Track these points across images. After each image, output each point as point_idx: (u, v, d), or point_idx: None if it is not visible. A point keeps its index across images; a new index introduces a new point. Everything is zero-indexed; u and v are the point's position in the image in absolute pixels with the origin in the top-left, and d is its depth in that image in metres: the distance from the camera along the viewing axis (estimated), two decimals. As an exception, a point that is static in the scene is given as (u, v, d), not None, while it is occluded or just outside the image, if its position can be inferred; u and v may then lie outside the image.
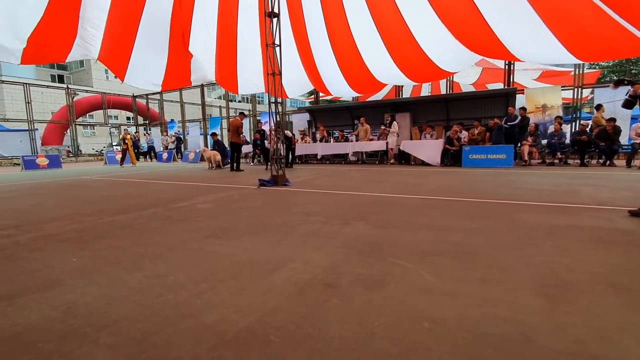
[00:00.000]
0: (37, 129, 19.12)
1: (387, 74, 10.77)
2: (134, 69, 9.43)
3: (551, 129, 9.79)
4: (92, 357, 1.22)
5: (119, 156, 17.09)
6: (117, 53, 8.98)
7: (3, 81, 22.44)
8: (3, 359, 1.23)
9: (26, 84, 18.86)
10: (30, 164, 13.42)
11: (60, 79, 39.52)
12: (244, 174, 8.90)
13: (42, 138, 20.33)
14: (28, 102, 18.44)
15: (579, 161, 9.06)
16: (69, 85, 22.72)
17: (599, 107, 9.51)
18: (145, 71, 9.76)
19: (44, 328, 1.42)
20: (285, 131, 9.25)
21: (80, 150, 22.31)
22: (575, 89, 11.16)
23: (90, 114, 26.85)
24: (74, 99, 21.11)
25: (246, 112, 20.30)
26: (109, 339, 1.33)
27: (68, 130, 21.18)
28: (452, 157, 9.97)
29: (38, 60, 8.59)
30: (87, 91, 24.54)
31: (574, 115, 11.25)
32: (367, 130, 12.12)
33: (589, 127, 9.33)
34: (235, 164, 10.04)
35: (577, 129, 10.08)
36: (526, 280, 1.77)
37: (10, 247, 2.63)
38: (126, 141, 14.24)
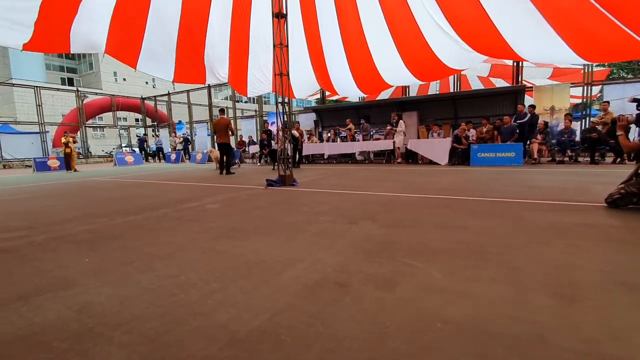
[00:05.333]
0: (47, 132, 19.45)
1: (395, 74, 10.76)
2: (146, 57, 9.39)
3: (561, 126, 9.65)
4: (107, 355, 1.23)
5: (128, 157, 17.33)
6: (126, 41, 8.87)
7: (14, 84, 22.85)
8: (19, 358, 1.25)
9: (37, 87, 19.18)
10: (41, 166, 13.64)
11: (70, 82, 40.18)
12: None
13: (52, 140, 20.67)
14: (39, 105, 18.76)
15: (589, 159, 8.92)
16: (79, 88, 23.06)
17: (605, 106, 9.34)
18: (157, 60, 9.72)
19: (59, 327, 1.45)
20: (292, 131, 9.27)
21: (90, 152, 22.65)
22: (585, 87, 10.99)
23: (99, 116, 27.25)
24: (84, 102, 21.42)
25: (253, 113, 20.39)
26: (123, 337, 1.34)
27: (78, 132, 21.49)
28: (460, 155, 9.89)
29: (42, 48, 8.45)
30: (96, 94, 24.87)
31: (584, 113, 11.08)
32: (353, 129, 12.68)
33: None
34: (225, 166, 9.21)
35: (587, 127, 9.92)
36: (538, 280, 1.75)
37: (24, 248, 2.68)
38: (69, 145, 13.09)
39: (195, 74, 10.48)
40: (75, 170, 13.06)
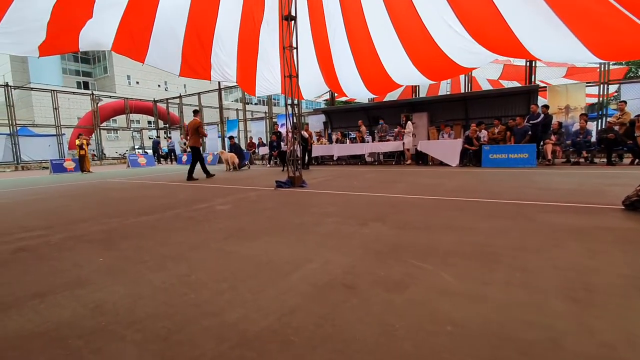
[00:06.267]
0: (64, 134, 19.96)
1: (404, 73, 10.68)
2: (154, 53, 9.41)
3: (576, 126, 9.45)
4: (121, 353, 1.26)
5: (140, 159, 17.64)
6: (134, 38, 8.88)
7: (32, 88, 23.54)
8: (36, 355, 1.28)
9: (54, 90, 19.72)
10: (58, 168, 14.00)
11: (86, 86, 41.17)
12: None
13: (69, 142, 21.20)
14: (56, 108, 19.28)
15: (605, 160, 8.71)
16: (94, 92, 23.60)
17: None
18: (164, 55, 9.71)
19: (74, 325, 1.48)
20: (302, 132, 9.29)
21: (105, 154, 23.13)
22: (601, 85, 10.75)
23: (113, 118, 27.82)
24: (99, 105, 21.91)
25: (263, 114, 20.57)
26: (135, 335, 1.37)
27: (93, 135, 21.99)
28: (471, 157, 9.77)
29: (54, 51, 8.57)
30: (110, 97, 25.40)
31: (600, 113, 10.83)
32: (364, 131, 12.78)
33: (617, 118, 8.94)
34: (205, 171, 8.53)
35: (603, 127, 9.69)
36: (552, 283, 1.72)
37: (42, 247, 2.75)
38: (84, 147, 13.45)
39: (201, 70, 10.52)
40: (89, 172, 13.31)
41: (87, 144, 14.04)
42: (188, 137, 8.74)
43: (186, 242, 2.72)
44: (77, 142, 13.60)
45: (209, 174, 8.49)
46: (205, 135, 8.78)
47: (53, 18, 7.04)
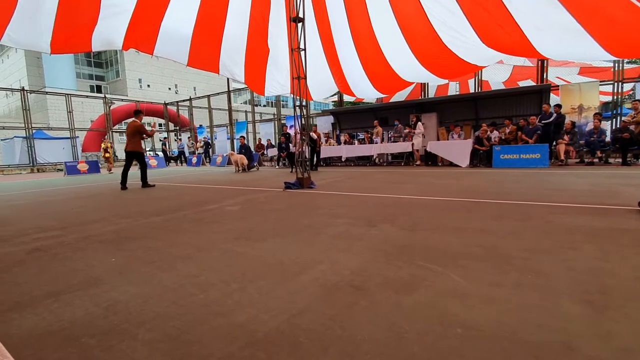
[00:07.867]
0: (77, 137, 20.38)
1: (411, 71, 10.57)
2: (161, 47, 9.44)
3: (590, 126, 9.26)
4: (132, 352, 1.28)
5: (152, 161, 17.90)
6: (144, 35, 8.88)
7: (47, 92, 24.11)
8: (50, 353, 1.31)
9: (68, 94, 20.15)
10: (72, 170, 14.30)
11: (99, 89, 41.93)
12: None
13: (82, 145, 21.62)
14: (70, 112, 19.71)
15: (620, 160, 8.50)
16: (106, 95, 24.05)
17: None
18: (172, 47, 9.73)
19: (87, 324, 1.51)
20: (310, 133, 9.30)
21: (117, 156, 23.50)
22: (616, 84, 10.50)
23: (125, 121, 28.26)
24: (111, 108, 22.33)
25: (272, 116, 20.67)
26: (146, 335, 1.39)
27: (105, 137, 22.39)
28: (482, 157, 9.65)
29: (67, 49, 8.60)
30: (122, 100, 25.83)
31: (614, 112, 10.59)
32: (379, 132, 12.53)
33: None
34: (142, 178, 7.66)
35: (618, 126, 9.47)
36: (566, 286, 1.68)
37: (56, 247, 2.81)
38: (109, 150, 15.07)
39: (209, 63, 10.55)
40: (110, 172, 14.56)
41: (111, 146, 15.61)
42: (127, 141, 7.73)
43: (195, 243, 2.75)
44: (103, 145, 15.13)
45: (146, 184, 7.62)
46: (150, 135, 7.83)
47: (59, 19, 7.15)
